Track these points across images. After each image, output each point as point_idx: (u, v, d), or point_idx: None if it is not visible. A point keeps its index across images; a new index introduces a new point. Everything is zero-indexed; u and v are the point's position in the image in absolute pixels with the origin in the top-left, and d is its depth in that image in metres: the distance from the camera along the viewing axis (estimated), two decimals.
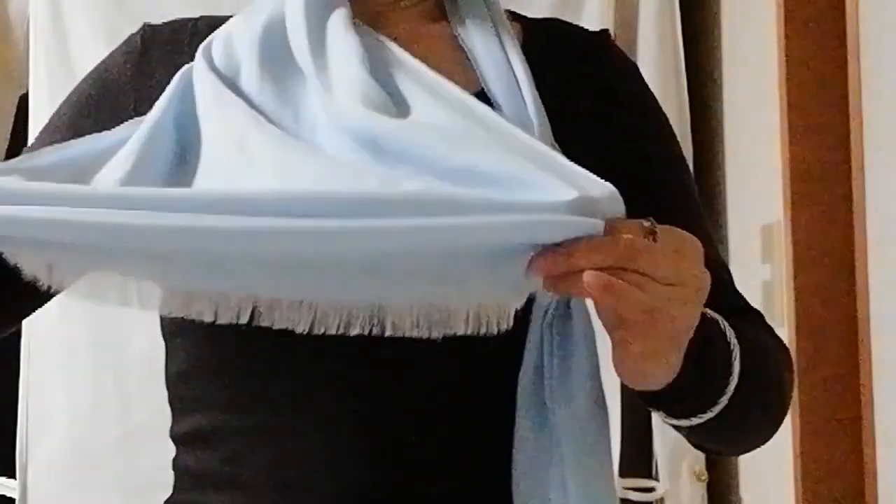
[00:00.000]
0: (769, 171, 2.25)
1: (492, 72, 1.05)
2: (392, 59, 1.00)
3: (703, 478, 2.58)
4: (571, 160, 0.88)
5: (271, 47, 1.02)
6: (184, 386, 1.07)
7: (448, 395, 1.01)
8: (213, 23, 1.11)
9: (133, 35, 1.14)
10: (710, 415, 0.99)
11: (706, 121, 2.67)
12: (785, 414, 1.11)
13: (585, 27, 1.19)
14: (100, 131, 1.02)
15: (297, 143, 0.93)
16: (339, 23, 1.02)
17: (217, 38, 1.05)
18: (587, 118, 1.09)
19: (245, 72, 1.01)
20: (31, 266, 0.86)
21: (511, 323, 0.87)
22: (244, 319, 0.86)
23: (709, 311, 0.95)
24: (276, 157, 0.90)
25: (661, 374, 0.90)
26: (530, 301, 0.99)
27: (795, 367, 1.13)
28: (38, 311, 1.18)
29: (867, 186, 1.85)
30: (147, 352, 2.43)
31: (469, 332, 0.87)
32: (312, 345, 1.00)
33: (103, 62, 1.15)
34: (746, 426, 1.07)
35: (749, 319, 1.10)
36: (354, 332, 0.86)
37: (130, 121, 1.02)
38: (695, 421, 0.99)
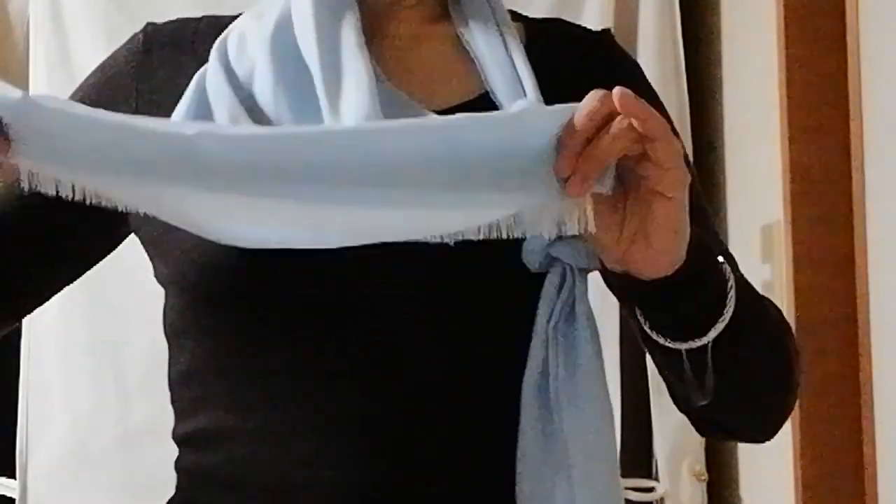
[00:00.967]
0: (769, 171, 2.25)
1: (496, 73, 1.05)
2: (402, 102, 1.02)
3: (703, 478, 2.58)
4: None
5: (283, 50, 1.02)
6: (187, 387, 1.07)
7: (450, 395, 1.01)
8: (216, 23, 1.11)
9: (136, 34, 1.14)
10: (712, 333, 0.98)
11: (706, 121, 2.67)
12: (792, 385, 1.10)
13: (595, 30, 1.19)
14: None
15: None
16: (351, 41, 1.02)
17: (231, 37, 1.05)
18: None
19: (259, 76, 1.01)
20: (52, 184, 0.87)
21: (522, 233, 0.90)
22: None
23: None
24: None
25: (669, 244, 0.92)
26: (535, 301, 0.99)
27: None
28: (38, 311, 1.18)
29: (867, 186, 1.85)
30: (147, 352, 2.43)
31: (481, 239, 0.90)
32: (315, 345, 1.01)
33: (106, 61, 1.15)
34: (749, 370, 1.05)
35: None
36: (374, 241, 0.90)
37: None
38: (697, 343, 0.98)
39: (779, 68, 2.17)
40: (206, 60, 1.05)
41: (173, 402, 1.09)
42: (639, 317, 1.01)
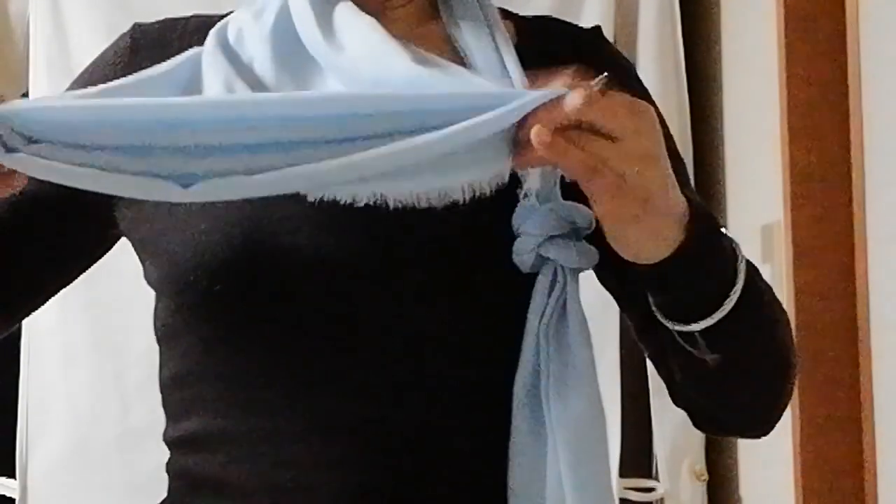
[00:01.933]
0: (769, 171, 2.25)
1: (486, 73, 1.04)
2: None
3: (703, 478, 2.58)
4: None
5: (284, 41, 1.02)
6: (177, 390, 1.07)
7: (444, 398, 1.01)
8: (205, 22, 1.11)
9: (123, 35, 1.14)
10: (720, 314, 0.97)
11: (706, 121, 2.67)
12: (789, 375, 1.09)
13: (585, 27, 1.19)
14: None
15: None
16: (346, 10, 1.03)
17: (231, 27, 1.05)
18: None
19: (258, 64, 1.01)
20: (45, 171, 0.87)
21: (506, 180, 0.90)
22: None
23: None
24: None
25: (645, 239, 0.92)
26: (527, 301, 0.99)
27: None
28: (38, 312, 1.18)
29: (867, 186, 1.86)
30: (147, 353, 2.40)
31: (466, 198, 0.89)
32: (307, 348, 1.00)
33: (94, 61, 1.15)
34: (751, 354, 1.04)
35: None
36: (361, 203, 0.88)
37: None
38: (703, 324, 0.98)
39: (779, 68, 2.18)
40: None
41: (164, 404, 1.09)
42: (654, 309, 1.00)
